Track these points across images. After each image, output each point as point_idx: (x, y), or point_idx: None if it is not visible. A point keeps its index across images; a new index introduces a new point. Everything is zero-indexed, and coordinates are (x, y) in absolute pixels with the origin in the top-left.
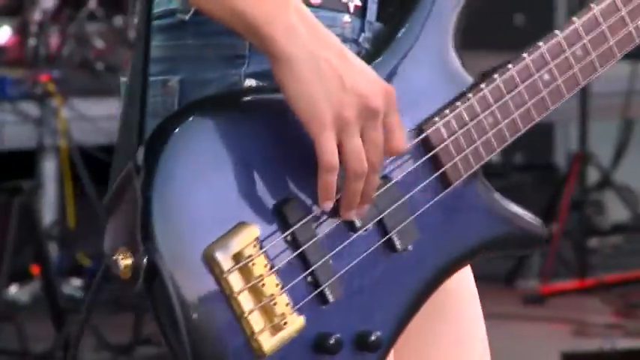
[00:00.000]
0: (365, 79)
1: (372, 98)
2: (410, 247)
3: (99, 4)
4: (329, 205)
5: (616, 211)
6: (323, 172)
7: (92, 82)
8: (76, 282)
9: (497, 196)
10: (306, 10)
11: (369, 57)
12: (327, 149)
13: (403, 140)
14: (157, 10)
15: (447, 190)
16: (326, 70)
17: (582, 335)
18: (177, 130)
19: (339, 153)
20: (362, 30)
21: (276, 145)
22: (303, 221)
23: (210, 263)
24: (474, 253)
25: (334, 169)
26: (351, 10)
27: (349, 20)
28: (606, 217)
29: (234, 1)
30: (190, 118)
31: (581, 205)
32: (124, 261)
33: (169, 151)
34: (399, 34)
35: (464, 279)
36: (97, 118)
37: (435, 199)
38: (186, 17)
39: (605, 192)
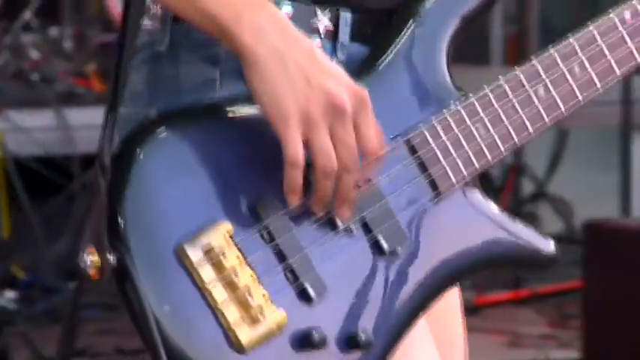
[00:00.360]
0: (332, 78)
1: (339, 97)
2: (399, 251)
3: (34, 15)
4: (295, 200)
5: (550, 223)
6: (288, 168)
7: (27, 93)
8: (10, 294)
9: (501, 212)
10: (277, 11)
11: (359, 71)
12: (291, 144)
13: (374, 140)
14: (138, 42)
15: (437, 197)
16: (292, 69)
17: (516, 346)
18: (148, 134)
19: (310, 152)
20: (334, 52)
21: (248, 147)
22: (278, 218)
23: (181, 257)
24: (476, 265)
25: (298, 164)
26: (322, 33)
27: (319, 44)
28: (540, 229)
29: (205, 3)
30: (163, 124)
31: (516, 217)
32: (92, 259)
33: (140, 152)
34: (389, 51)
35: (450, 297)
36: (32, 129)
37: (424, 205)
38: (163, 48)
39: (539, 203)
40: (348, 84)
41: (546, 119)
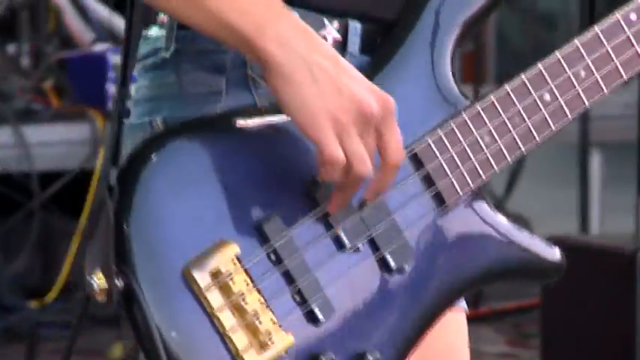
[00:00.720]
0: (359, 85)
1: (367, 103)
2: (407, 267)
3: None
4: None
5: None
6: (329, 168)
7: None
8: None
9: (507, 220)
10: (298, 19)
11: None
12: (329, 144)
13: (400, 149)
14: (144, 49)
15: (443, 209)
16: (320, 76)
17: None
18: (153, 151)
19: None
20: None
21: (255, 163)
22: (285, 238)
23: (189, 281)
24: (482, 279)
25: (341, 161)
26: (330, 42)
27: None
28: None
29: (223, 15)
30: (166, 140)
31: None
32: (99, 284)
33: (145, 171)
34: (394, 58)
35: (455, 323)
36: None
37: (430, 218)
38: (168, 55)
39: None
40: (375, 90)
41: (552, 126)
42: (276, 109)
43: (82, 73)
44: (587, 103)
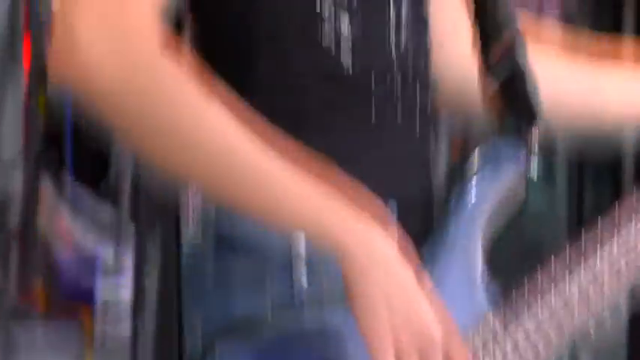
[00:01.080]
0: (428, 307)
1: (427, 326)
2: None
3: None
4: None
5: None
6: None
7: None
8: None
9: None
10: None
11: None
12: None
13: None
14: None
15: None
16: (395, 290)
17: None
18: None
19: None
20: None
21: None
22: None
23: None
24: None
25: None
26: None
27: None
28: None
29: (322, 227)
30: (220, 349)
31: None
32: None
33: None
34: (429, 246)
35: None
36: None
37: None
38: (201, 242)
39: None
40: (442, 314)
41: (566, 333)
42: (321, 302)
43: (70, 269)
44: (609, 298)
